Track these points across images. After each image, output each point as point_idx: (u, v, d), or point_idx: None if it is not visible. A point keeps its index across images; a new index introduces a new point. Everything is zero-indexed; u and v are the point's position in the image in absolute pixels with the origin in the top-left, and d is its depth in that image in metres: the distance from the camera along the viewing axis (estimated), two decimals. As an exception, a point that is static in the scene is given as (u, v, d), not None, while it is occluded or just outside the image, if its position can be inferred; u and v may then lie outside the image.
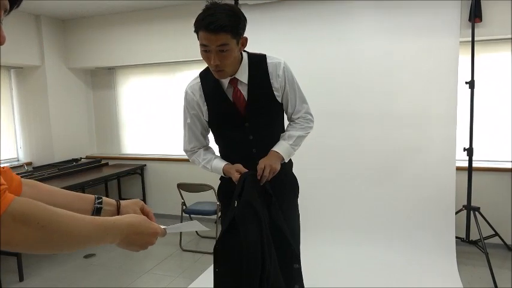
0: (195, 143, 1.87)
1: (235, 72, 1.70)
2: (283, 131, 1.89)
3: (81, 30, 4.62)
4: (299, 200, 1.97)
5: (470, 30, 3.08)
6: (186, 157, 1.94)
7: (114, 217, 0.80)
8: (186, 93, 1.82)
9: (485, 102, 3.43)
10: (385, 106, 3.39)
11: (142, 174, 4.71)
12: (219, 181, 1.95)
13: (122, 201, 0.94)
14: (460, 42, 3.16)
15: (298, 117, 1.84)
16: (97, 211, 0.87)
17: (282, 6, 3.59)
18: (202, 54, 1.59)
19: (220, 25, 1.48)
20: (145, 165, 4.72)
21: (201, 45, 1.56)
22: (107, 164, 4.77)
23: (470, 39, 3.08)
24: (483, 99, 3.40)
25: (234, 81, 1.71)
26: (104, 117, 5.05)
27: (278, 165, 1.71)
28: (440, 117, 3.26)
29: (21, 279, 3.15)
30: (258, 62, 1.74)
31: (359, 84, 3.45)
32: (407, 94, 3.33)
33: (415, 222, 3.31)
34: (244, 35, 1.62)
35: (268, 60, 1.74)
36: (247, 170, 1.71)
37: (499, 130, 3.47)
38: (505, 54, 3.40)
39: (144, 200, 4.67)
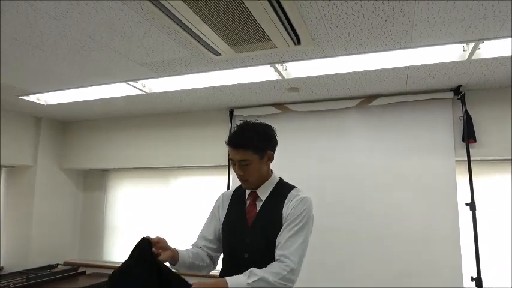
0: (199, 241, 1.84)
1: (259, 186, 1.74)
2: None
3: (79, 132, 4.69)
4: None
5: (465, 151, 3.01)
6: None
7: None
8: (220, 195, 1.90)
9: (488, 226, 3.14)
10: (383, 226, 3.16)
11: (120, 287, 4.27)
12: None
13: None
14: (457, 161, 3.07)
15: (279, 256, 1.56)
16: None
17: (275, 118, 3.57)
18: (231, 165, 1.73)
19: (239, 143, 1.65)
20: (125, 275, 4.32)
21: (230, 157, 1.71)
22: (84, 272, 4.38)
23: (466, 158, 2.99)
24: (486, 223, 3.13)
25: (254, 195, 1.75)
26: (91, 221, 4.82)
27: None
28: (444, 241, 2.99)
29: None
30: (283, 187, 1.75)
31: (357, 202, 3.27)
32: (406, 214, 3.12)
33: None
34: (270, 151, 1.71)
35: (293, 191, 1.72)
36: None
37: (506, 256, 3.11)
38: (504, 175, 3.23)
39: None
